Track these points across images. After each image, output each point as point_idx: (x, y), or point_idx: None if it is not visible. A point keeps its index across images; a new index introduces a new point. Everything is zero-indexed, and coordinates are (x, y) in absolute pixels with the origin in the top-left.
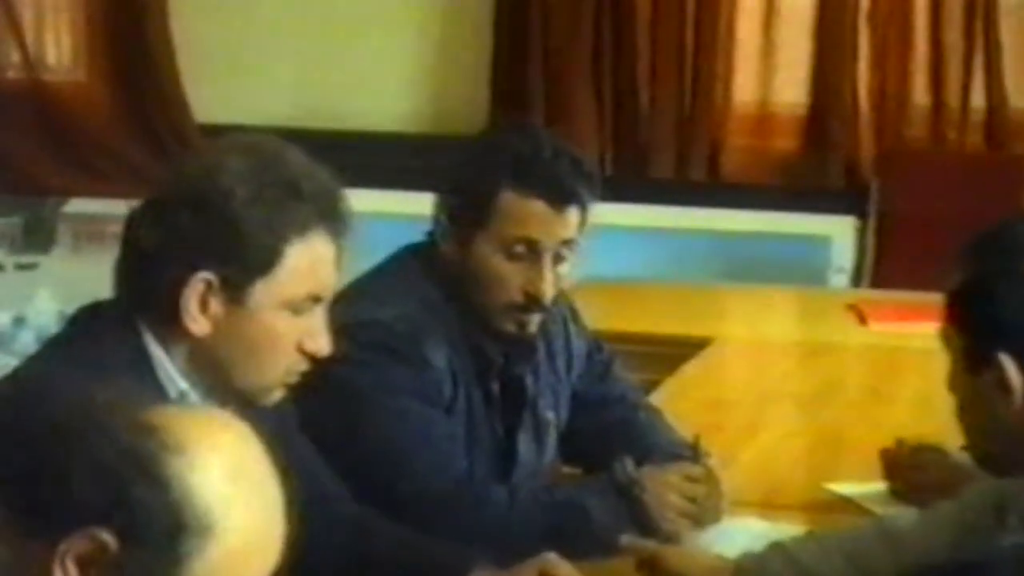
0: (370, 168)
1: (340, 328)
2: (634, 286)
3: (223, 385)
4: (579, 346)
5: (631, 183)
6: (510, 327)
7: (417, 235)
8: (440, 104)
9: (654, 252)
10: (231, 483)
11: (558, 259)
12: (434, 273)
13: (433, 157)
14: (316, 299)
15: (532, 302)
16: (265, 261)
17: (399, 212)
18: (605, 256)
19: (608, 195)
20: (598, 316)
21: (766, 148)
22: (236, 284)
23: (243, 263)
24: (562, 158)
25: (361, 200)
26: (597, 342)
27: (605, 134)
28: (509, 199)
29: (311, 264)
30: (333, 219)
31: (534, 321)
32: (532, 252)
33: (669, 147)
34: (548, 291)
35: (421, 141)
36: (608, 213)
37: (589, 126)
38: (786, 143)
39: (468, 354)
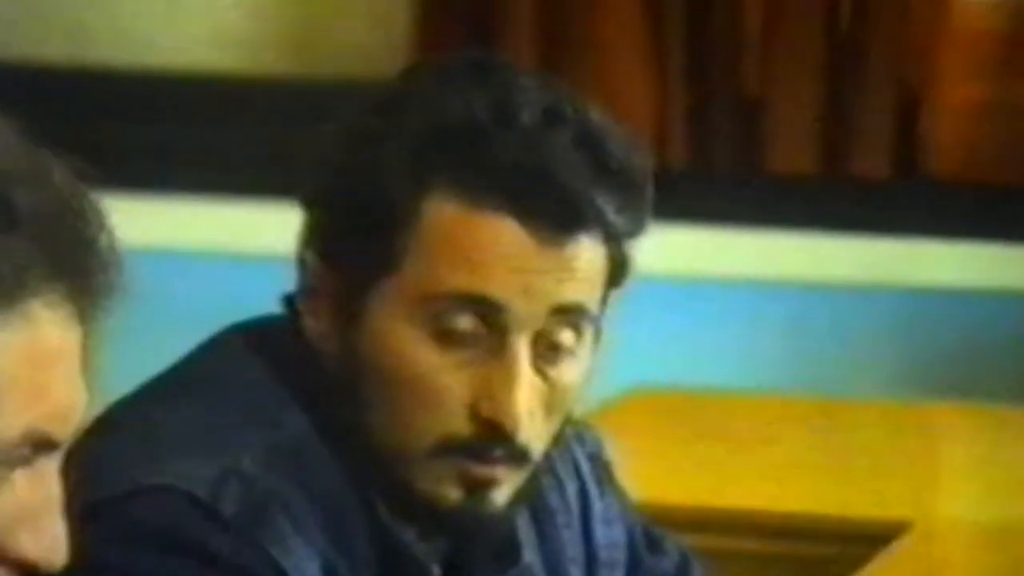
0: (178, 149)
1: (97, 502)
2: (738, 403)
3: None
4: (613, 539)
5: (730, 183)
6: (449, 494)
7: (269, 300)
8: (320, 34)
9: (778, 331)
10: None
11: (552, 349)
12: (295, 382)
13: (306, 125)
14: (42, 443)
15: (491, 437)
16: None
17: (229, 247)
18: (674, 341)
19: (676, 211)
20: (660, 473)
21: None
22: None
23: None
24: (561, 127)
25: (149, 220)
26: (654, 535)
27: (671, 89)
28: (444, 213)
29: (29, 366)
30: (77, 268)
31: (503, 482)
32: (492, 330)
33: (804, 113)
34: (522, 416)
35: (285, 92)
36: (676, 249)
37: (638, 72)
38: None
39: (369, 552)
